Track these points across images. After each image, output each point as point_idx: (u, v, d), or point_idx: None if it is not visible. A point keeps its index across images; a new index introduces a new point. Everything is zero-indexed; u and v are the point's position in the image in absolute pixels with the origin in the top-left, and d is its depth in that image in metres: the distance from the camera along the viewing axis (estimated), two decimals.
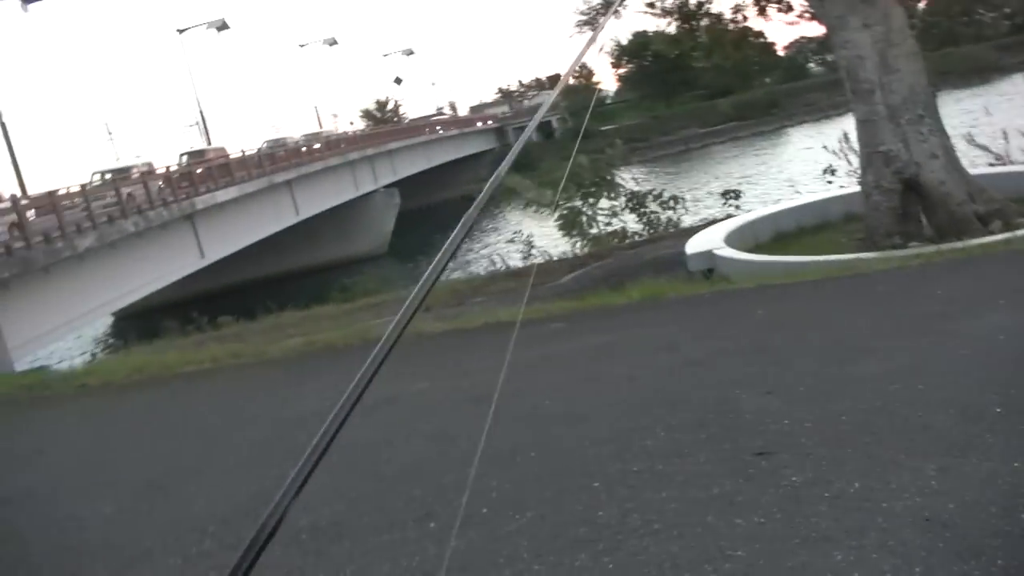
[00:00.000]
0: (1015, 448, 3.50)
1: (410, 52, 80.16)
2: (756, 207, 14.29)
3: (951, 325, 5.23)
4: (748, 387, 4.62)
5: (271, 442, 5.46)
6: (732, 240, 10.45)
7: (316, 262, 35.14)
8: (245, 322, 12.54)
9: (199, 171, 29.47)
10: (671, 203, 15.05)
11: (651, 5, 14.68)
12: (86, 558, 4.34)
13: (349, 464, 4.45)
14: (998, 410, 3.87)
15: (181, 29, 45.72)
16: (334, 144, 43.29)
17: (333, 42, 64.37)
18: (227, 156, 33.70)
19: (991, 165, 12.52)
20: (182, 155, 35.90)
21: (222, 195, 28.20)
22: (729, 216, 13.05)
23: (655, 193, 15.21)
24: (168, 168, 30.00)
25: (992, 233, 8.55)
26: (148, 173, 28.21)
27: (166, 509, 4.72)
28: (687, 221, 14.54)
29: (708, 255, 9.96)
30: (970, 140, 13.58)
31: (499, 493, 3.92)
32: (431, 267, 0.59)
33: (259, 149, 36.63)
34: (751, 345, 5.46)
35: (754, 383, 4.69)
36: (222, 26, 45.19)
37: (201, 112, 52.46)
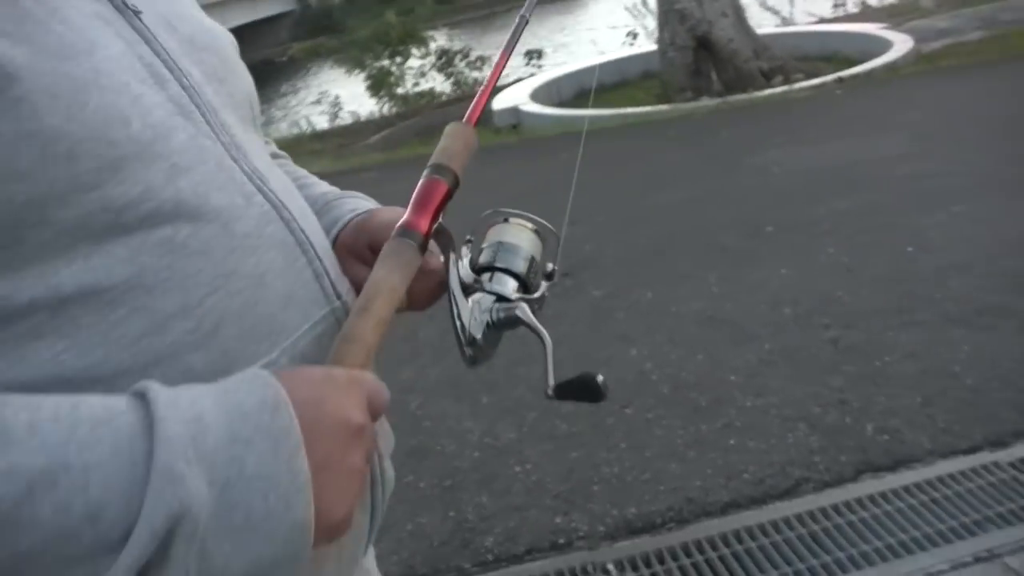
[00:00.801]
0: (782, 258, 3.97)
1: None
2: (559, 67, 14.50)
3: (735, 161, 5.72)
4: (554, 218, 4.88)
5: None
6: (537, 97, 10.69)
7: None
8: None
9: None
10: (478, 63, 14.99)
11: None
12: None
13: None
14: (770, 229, 4.35)
15: None
16: None
17: None
18: None
19: (777, 27, 13.33)
20: None
21: None
22: (533, 75, 13.21)
23: (463, 52, 15.08)
24: None
25: (773, 87, 9.24)
26: None
27: None
28: None
29: (514, 111, 10.17)
30: (762, 3, 14.31)
31: None
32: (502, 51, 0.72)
33: None
34: (557, 182, 5.71)
35: (560, 214, 4.96)
36: None
37: None
